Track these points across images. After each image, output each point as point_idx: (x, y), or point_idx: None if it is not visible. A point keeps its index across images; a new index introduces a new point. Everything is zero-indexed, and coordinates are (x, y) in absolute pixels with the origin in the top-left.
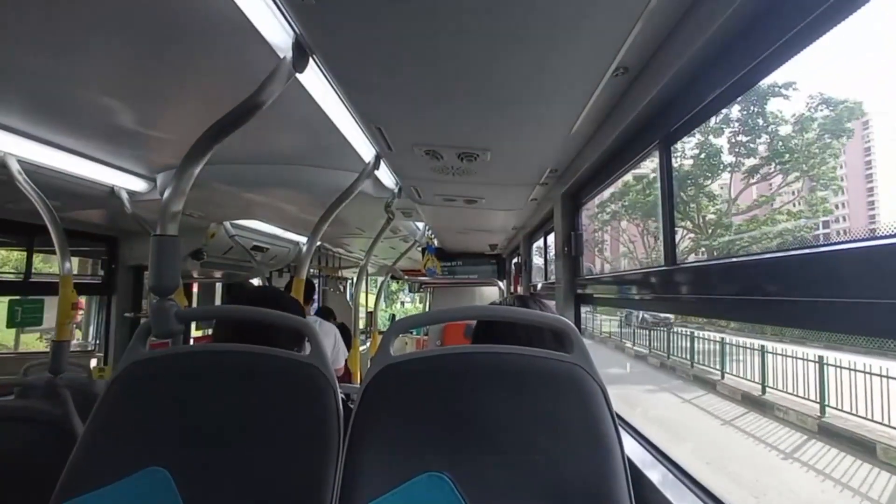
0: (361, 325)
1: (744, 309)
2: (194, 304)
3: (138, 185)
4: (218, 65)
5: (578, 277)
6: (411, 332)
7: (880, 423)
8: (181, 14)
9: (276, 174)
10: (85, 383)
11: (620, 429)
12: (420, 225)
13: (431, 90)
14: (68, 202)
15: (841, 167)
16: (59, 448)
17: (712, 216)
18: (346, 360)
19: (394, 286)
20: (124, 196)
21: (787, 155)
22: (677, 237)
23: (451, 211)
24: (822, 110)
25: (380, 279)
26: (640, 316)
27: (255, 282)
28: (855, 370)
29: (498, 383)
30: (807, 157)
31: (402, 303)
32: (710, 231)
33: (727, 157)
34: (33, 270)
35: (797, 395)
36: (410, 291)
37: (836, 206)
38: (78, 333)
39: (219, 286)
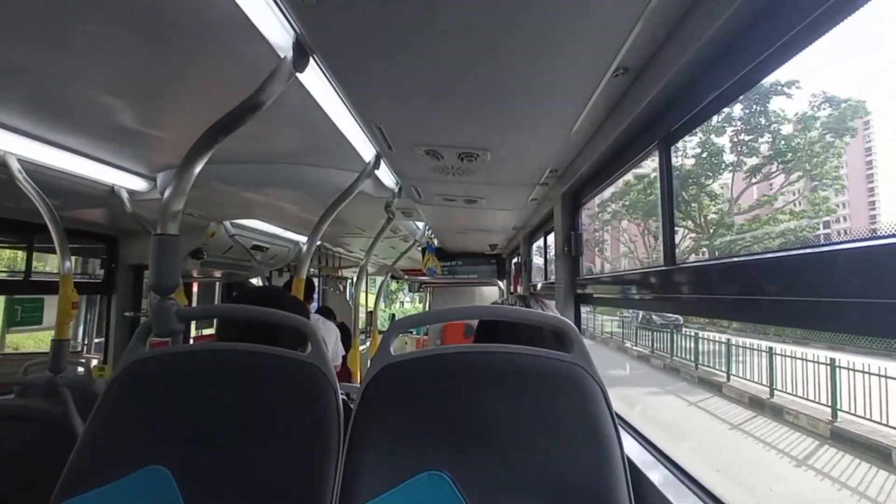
0: (361, 324)
1: (744, 309)
2: (194, 304)
3: (138, 184)
4: (218, 64)
5: (578, 277)
6: (411, 332)
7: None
8: (182, 13)
9: (276, 174)
10: (85, 382)
11: (620, 428)
12: (420, 225)
13: (432, 90)
14: (68, 201)
15: (842, 167)
16: (60, 447)
17: (714, 216)
18: (345, 360)
19: (393, 286)
20: (124, 195)
21: (790, 154)
22: (679, 237)
23: (452, 211)
24: (825, 109)
25: (379, 279)
26: (641, 316)
27: (255, 281)
28: (869, 373)
29: (498, 383)
30: (809, 156)
31: (402, 303)
32: (711, 231)
33: (729, 157)
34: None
35: (807, 399)
36: (410, 291)
37: (839, 206)
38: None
39: (218, 285)
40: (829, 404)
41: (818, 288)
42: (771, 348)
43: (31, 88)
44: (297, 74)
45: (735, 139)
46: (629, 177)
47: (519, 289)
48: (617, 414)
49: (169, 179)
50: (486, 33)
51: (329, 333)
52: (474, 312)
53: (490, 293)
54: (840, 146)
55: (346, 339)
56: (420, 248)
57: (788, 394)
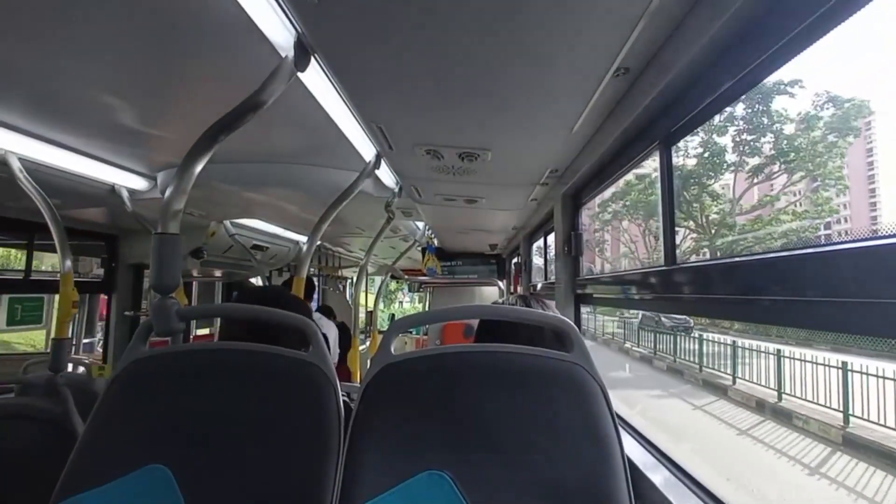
0: (361, 324)
1: (744, 309)
2: (194, 303)
3: (139, 183)
4: (219, 64)
5: (578, 277)
6: (411, 332)
7: None
8: (183, 13)
9: (276, 173)
10: (85, 381)
11: (620, 428)
12: (420, 224)
13: (433, 90)
14: (69, 200)
15: (845, 167)
16: (60, 446)
17: (716, 216)
18: (345, 359)
19: (392, 286)
20: (125, 194)
21: (793, 154)
22: (680, 237)
23: (452, 210)
24: (828, 108)
25: (379, 279)
26: (641, 317)
27: (255, 281)
28: (883, 377)
29: (498, 382)
30: (812, 156)
31: (401, 302)
32: (713, 231)
33: (731, 156)
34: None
35: (817, 403)
36: (410, 291)
37: (841, 207)
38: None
39: (219, 285)
40: (841, 409)
41: (819, 288)
42: (779, 350)
43: (31, 87)
44: (298, 74)
45: (737, 139)
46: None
47: (519, 289)
48: (617, 414)
49: (169, 178)
50: (487, 33)
51: (327, 332)
52: (474, 312)
53: (490, 293)
54: (843, 146)
55: (346, 338)
56: (420, 248)
57: (797, 398)
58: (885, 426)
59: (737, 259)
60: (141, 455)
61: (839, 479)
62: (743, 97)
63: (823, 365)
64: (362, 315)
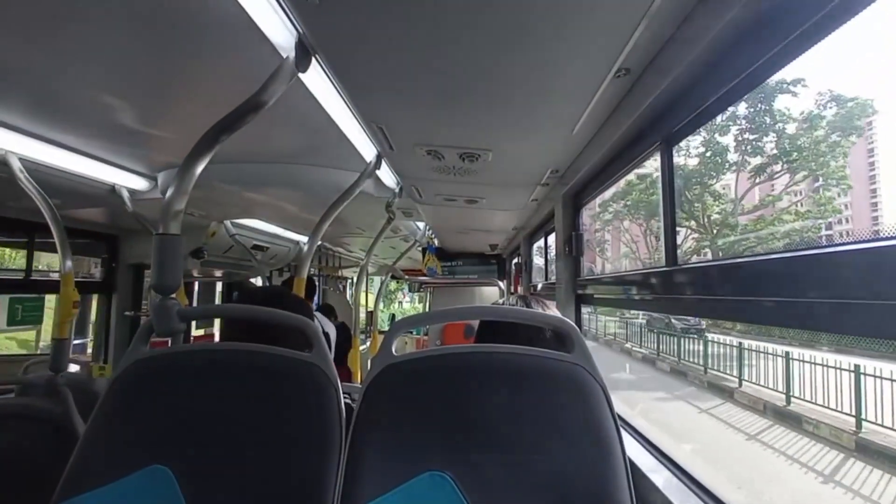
0: (361, 324)
1: (745, 310)
2: (194, 303)
3: (139, 183)
4: (220, 64)
5: (579, 278)
6: (411, 332)
7: None
8: (184, 13)
9: (277, 173)
10: (85, 381)
11: (621, 429)
12: (420, 225)
13: (434, 90)
14: (69, 200)
15: (847, 167)
16: (60, 446)
17: (717, 216)
18: (346, 360)
19: (392, 286)
20: (125, 194)
21: (795, 154)
22: (682, 237)
23: (452, 211)
24: (831, 107)
25: (380, 279)
26: (642, 317)
27: (256, 281)
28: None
29: (499, 383)
30: (816, 155)
31: (400, 302)
32: (715, 231)
33: (734, 156)
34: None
35: (827, 407)
36: (410, 291)
37: (843, 207)
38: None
39: (219, 285)
40: (852, 413)
41: (820, 289)
42: (788, 353)
43: (32, 88)
44: (300, 74)
45: (740, 138)
46: (631, 176)
47: (519, 289)
48: (618, 415)
49: (170, 179)
50: (489, 34)
51: (328, 332)
52: (475, 312)
53: (490, 293)
54: (846, 145)
55: (347, 338)
56: (420, 248)
57: (806, 401)
58: None
59: (738, 260)
60: (142, 456)
61: (854, 486)
62: (746, 97)
63: (835, 368)
64: (363, 315)
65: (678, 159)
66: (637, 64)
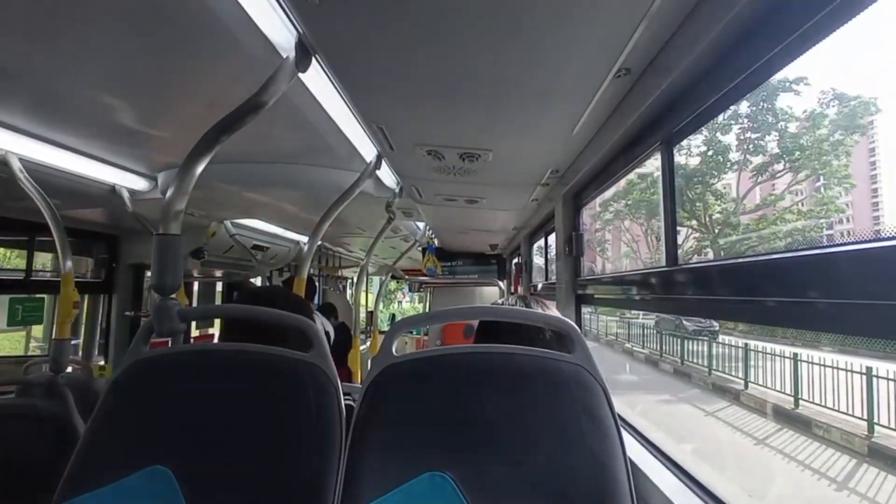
0: (361, 324)
1: (746, 310)
2: (194, 303)
3: (139, 183)
4: (220, 64)
5: (579, 278)
6: (411, 332)
7: None
8: (184, 13)
9: (277, 173)
10: (86, 382)
11: (622, 429)
12: (421, 225)
13: (434, 90)
14: (69, 200)
15: (848, 166)
16: (60, 447)
17: (719, 215)
18: (346, 360)
19: (392, 285)
20: (125, 195)
21: (798, 152)
22: (683, 237)
23: (452, 211)
24: (833, 106)
25: (380, 279)
26: (657, 319)
27: (256, 281)
28: None
29: (500, 383)
30: (819, 154)
31: (400, 302)
32: (716, 230)
33: (735, 155)
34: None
35: (836, 410)
36: (410, 291)
37: (845, 206)
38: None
39: (219, 285)
40: (865, 417)
41: (821, 289)
42: (796, 354)
43: (32, 88)
44: (300, 74)
45: (742, 136)
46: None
47: (519, 289)
48: (619, 415)
49: (170, 179)
50: (489, 34)
51: (328, 331)
52: (475, 312)
53: (490, 293)
54: (850, 143)
55: (347, 338)
56: (420, 248)
57: (815, 404)
58: None
59: (738, 260)
60: (142, 456)
61: (870, 494)
62: (748, 95)
63: (845, 370)
64: (363, 315)
65: (679, 158)
66: (637, 64)
